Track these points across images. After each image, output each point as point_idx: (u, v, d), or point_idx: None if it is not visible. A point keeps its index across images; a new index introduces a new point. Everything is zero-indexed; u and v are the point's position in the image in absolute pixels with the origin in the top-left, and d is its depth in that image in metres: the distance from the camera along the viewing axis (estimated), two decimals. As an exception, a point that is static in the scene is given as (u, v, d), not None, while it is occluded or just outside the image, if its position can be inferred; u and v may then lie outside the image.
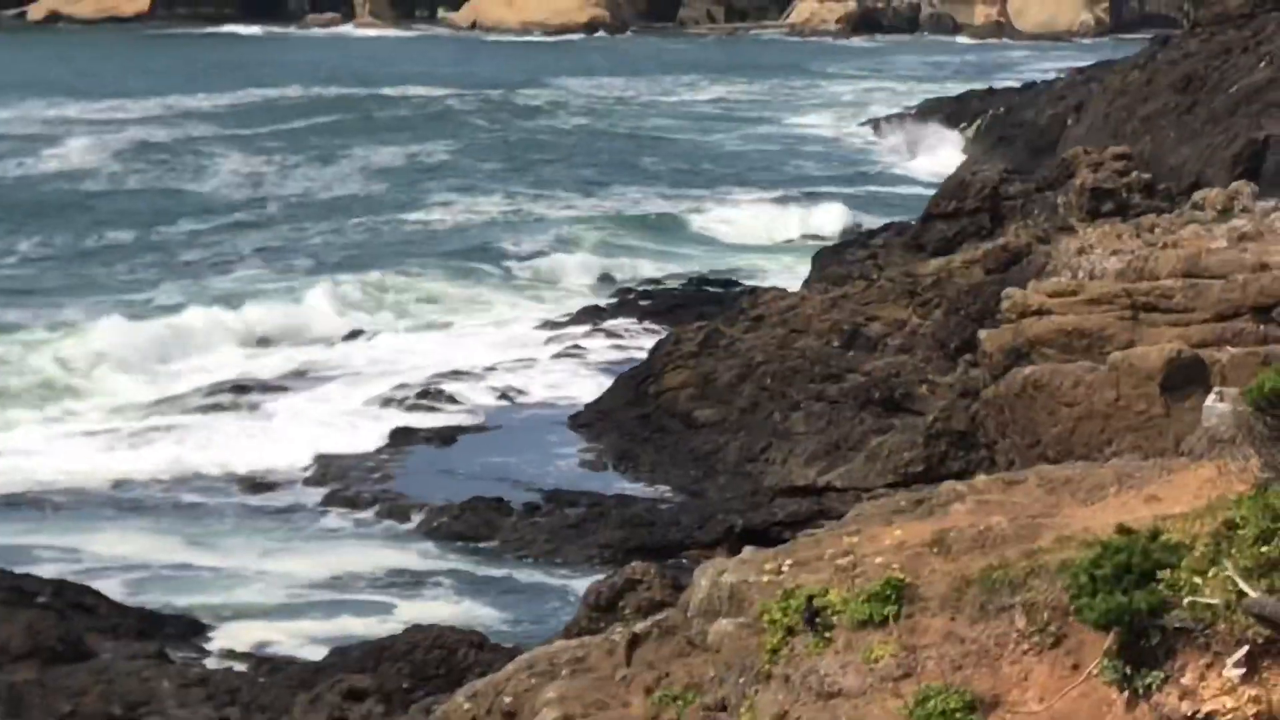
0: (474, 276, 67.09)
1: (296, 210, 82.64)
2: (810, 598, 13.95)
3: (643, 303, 60.09)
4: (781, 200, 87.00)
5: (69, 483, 41.36)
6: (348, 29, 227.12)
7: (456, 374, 51.49)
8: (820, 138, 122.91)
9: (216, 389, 49.88)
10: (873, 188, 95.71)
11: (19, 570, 33.67)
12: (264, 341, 56.05)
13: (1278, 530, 11.43)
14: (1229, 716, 11.08)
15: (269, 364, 53.11)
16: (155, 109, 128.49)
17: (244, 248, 72.43)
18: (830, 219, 78.10)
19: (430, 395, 49.11)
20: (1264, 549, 11.31)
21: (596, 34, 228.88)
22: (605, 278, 65.82)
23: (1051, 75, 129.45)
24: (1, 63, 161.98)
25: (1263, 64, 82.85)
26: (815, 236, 74.00)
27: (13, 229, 76.03)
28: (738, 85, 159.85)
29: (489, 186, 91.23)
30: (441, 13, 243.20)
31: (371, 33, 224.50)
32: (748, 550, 16.00)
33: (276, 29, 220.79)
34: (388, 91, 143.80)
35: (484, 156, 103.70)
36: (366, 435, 45.11)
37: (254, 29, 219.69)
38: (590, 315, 58.95)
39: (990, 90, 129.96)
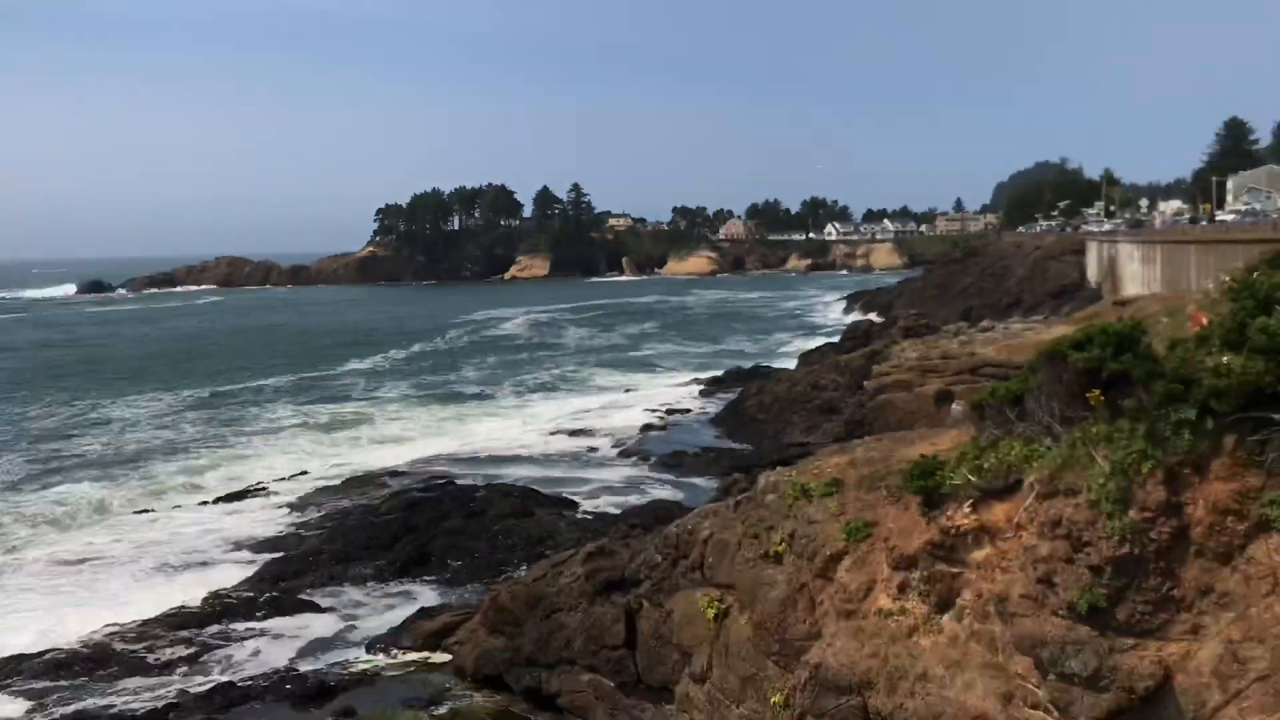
0: (662, 371, 66.14)
1: (592, 346, 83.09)
2: (803, 485, 13.94)
3: (735, 377, 59.17)
4: (791, 336, 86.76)
5: (519, 450, 41.34)
6: (621, 278, 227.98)
7: (664, 405, 51.01)
8: (796, 310, 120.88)
9: (576, 414, 49.39)
10: (818, 326, 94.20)
11: (498, 481, 33.91)
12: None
13: (979, 456, 11.37)
14: (966, 526, 11.01)
15: (592, 407, 52.27)
16: (546, 309, 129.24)
17: (569, 361, 72.62)
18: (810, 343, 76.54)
19: (654, 412, 48.74)
20: (976, 463, 11.28)
21: (715, 275, 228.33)
22: (724, 367, 64.23)
23: (890, 283, 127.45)
24: (494, 296, 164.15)
25: (968, 277, 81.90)
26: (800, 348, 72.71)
27: (481, 357, 77.25)
28: (763, 293, 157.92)
29: (669, 338, 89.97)
30: (656, 270, 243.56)
31: (629, 278, 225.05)
32: (779, 468, 15.96)
33: (591, 279, 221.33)
34: (630, 300, 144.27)
35: (666, 327, 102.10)
36: (634, 427, 44.85)
37: (586, 279, 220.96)
38: (714, 382, 58.02)
39: (866, 290, 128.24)
